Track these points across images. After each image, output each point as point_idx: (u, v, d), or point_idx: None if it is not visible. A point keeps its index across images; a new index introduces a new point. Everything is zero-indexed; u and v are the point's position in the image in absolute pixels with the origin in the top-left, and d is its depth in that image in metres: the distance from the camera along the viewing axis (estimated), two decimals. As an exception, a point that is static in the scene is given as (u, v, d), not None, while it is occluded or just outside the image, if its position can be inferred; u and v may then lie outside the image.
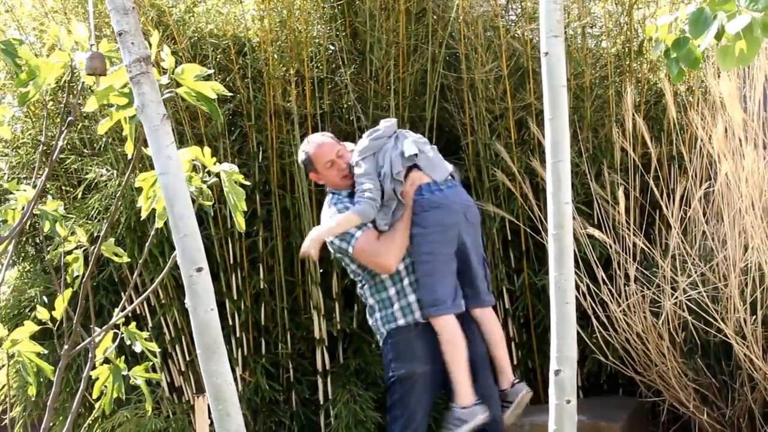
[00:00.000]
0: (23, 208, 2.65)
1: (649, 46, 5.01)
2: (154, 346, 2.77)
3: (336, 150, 3.60)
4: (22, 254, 5.29)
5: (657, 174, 4.65)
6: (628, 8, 5.06)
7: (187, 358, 5.06)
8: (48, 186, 4.99)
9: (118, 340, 2.72)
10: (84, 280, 2.65)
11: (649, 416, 4.93)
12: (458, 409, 3.47)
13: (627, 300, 4.46)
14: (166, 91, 2.20)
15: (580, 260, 4.49)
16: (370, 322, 3.65)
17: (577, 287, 4.36)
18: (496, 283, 5.06)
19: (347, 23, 5.09)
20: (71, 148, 5.04)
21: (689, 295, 4.30)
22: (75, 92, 2.53)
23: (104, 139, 4.85)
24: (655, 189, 4.54)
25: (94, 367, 2.71)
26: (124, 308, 2.76)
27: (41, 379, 4.14)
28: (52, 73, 2.39)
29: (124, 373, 2.75)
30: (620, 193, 4.42)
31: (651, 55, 5.00)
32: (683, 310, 4.33)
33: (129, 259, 3.01)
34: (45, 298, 4.89)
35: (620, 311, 4.46)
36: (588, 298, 4.50)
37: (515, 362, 5.15)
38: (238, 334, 5.00)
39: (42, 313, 2.69)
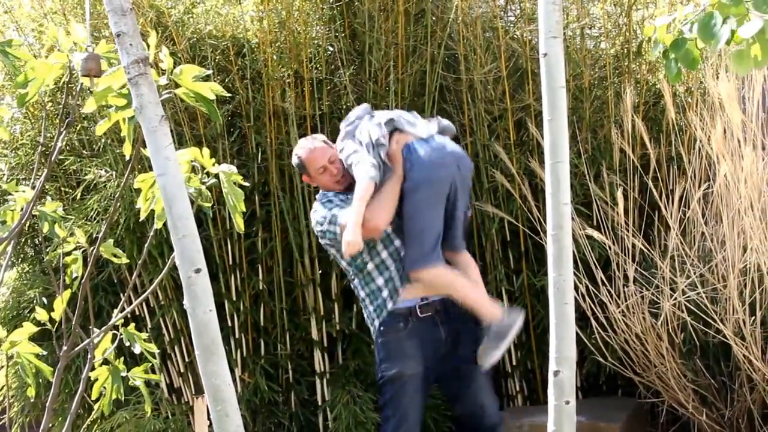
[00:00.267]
0: (22, 209, 2.65)
1: (648, 47, 5.02)
2: (153, 347, 2.77)
3: (328, 155, 3.59)
4: (21, 255, 5.29)
5: (656, 175, 4.66)
6: (627, 9, 5.07)
7: (186, 359, 5.06)
8: (47, 187, 4.99)
9: (117, 341, 2.72)
10: (83, 281, 2.65)
11: (648, 417, 4.93)
12: (493, 325, 3.43)
13: (626, 301, 4.46)
14: (164, 92, 2.20)
15: (579, 261, 4.48)
16: (365, 315, 3.66)
17: (576, 288, 4.36)
18: (495, 284, 5.06)
19: (346, 24, 5.09)
20: (70, 149, 5.04)
21: (688, 296, 4.30)
22: (74, 93, 2.54)
23: (103, 140, 4.85)
24: (654, 190, 4.54)
25: (93, 368, 2.71)
26: (123, 309, 2.76)
27: (40, 380, 4.12)
28: (51, 74, 2.39)
29: (123, 374, 2.75)
30: (619, 194, 4.42)
31: (650, 56, 5.00)
32: (682, 311, 4.33)
33: (128, 260, 3.01)
34: (44, 299, 4.90)
35: (619, 312, 4.47)
36: (587, 299, 4.50)
37: (514, 363, 5.16)
38: (237, 335, 5.00)
39: (41, 314, 2.69)
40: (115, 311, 2.75)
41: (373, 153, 3.50)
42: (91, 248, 2.72)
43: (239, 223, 2.56)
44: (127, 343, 2.75)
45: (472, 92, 5.08)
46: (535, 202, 4.75)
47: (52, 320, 2.67)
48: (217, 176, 2.54)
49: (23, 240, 5.19)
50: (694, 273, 4.33)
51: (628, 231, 4.52)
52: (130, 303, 4.39)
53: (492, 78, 5.02)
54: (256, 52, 4.95)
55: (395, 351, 3.51)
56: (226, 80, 4.86)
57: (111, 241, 2.89)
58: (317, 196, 3.69)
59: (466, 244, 3.70)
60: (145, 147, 2.03)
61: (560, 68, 2.18)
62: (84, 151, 5.04)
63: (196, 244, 1.98)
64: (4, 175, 5.12)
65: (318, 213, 3.61)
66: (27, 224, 3.61)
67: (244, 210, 2.57)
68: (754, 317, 4.20)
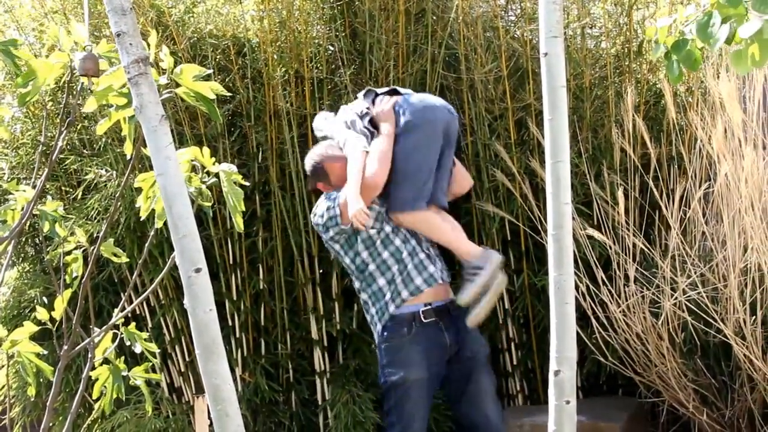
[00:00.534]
0: (23, 209, 2.65)
1: (649, 47, 5.01)
2: (153, 347, 2.77)
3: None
4: (22, 255, 5.29)
5: (656, 174, 4.65)
6: (628, 9, 5.06)
7: (187, 359, 5.06)
8: (47, 186, 4.98)
9: (117, 340, 2.73)
10: (83, 280, 2.65)
11: (648, 417, 4.93)
12: (470, 260, 3.46)
13: (626, 300, 4.46)
14: (165, 91, 2.20)
15: (579, 261, 4.49)
16: (368, 319, 3.64)
17: (577, 288, 4.36)
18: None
19: (347, 24, 5.09)
20: (71, 149, 5.04)
21: (689, 296, 4.30)
22: (74, 93, 2.54)
23: (103, 140, 4.85)
24: (654, 189, 4.54)
25: (93, 368, 2.71)
26: (123, 309, 2.76)
27: (41, 380, 4.13)
28: (52, 73, 2.39)
29: (124, 373, 2.75)
30: (620, 194, 4.42)
31: (651, 56, 5.00)
32: (683, 311, 4.33)
33: (128, 260, 3.01)
34: (44, 299, 4.89)
35: (620, 312, 4.46)
36: (587, 298, 4.50)
37: (515, 362, 5.16)
38: (237, 335, 5.00)
39: (41, 313, 2.70)
40: (116, 310, 2.75)
41: (359, 125, 3.53)
42: (92, 247, 2.72)
43: (239, 223, 2.56)
44: (128, 343, 2.75)
45: (472, 92, 5.08)
46: (536, 201, 4.75)
47: (52, 319, 2.68)
48: (217, 176, 2.55)
49: (24, 239, 5.19)
50: (695, 272, 4.33)
51: (628, 230, 4.51)
52: (131, 302, 4.39)
53: (493, 77, 5.02)
54: (256, 51, 4.95)
55: (399, 356, 3.48)
56: (227, 80, 4.86)
57: (111, 240, 2.89)
58: (323, 195, 3.68)
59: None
60: (145, 146, 2.03)
61: (561, 68, 2.18)
62: (85, 151, 5.04)
63: (197, 243, 1.98)
64: (4, 174, 5.11)
65: (320, 206, 3.61)
66: (28, 223, 3.61)
67: (244, 209, 2.57)
68: (754, 317, 4.20)
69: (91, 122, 4.95)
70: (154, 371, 4.46)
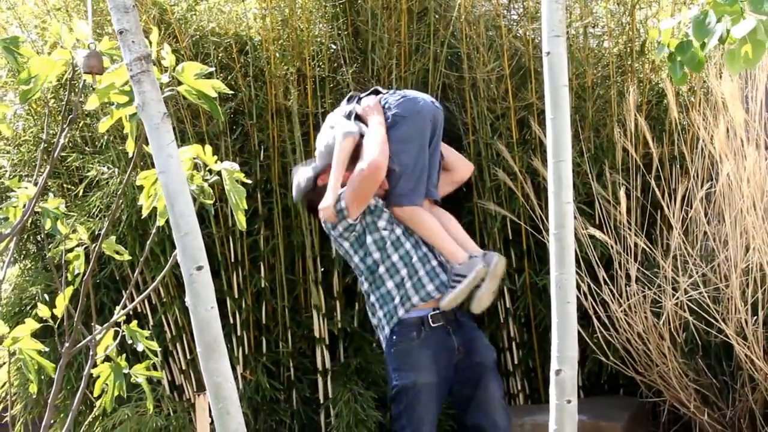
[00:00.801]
0: (24, 206, 2.65)
1: (651, 46, 5.01)
2: (154, 345, 2.78)
3: None
4: (24, 252, 5.29)
5: (658, 174, 4.65)
6: (630, 8, 5.06)
7: (188, 357, 5.06)
8: (49, 184, 4.99)
9: (119, 338, 2.73)
10: (85, 278, 2.65)
11: (649, 416, 4.93)
12: (455, 266, 3.48)
13: (628, 300, 4.46)
14: (166, 89, 2.20)
15: (581, 260, 4.49)
16: (374, 322, 3.62)
17: (578, 287, 4.36)
18: (497, 282, 5.05)
19: (349, 22, 5.09)
20: (72, 146, 5.04)
21: (690, 296, 4.30)
22: (76, 90, 2.54)
23: (105, 137, 4.85)
24: (656, 189, 4.54)
25: (95, 365, 2.72)
26: (125, 306, 2.76)
27: (42, 377, 4.14)
28: (54, 70, 2.39)
29: (125, 371, 2.75)
30: (622, 193, 4.41)
31: (653, 55, 5.00)
32: (684, 311, 4.33)
33: (130, 257, 3.00)
34: (46, 296, 4.90)
35: (621, 311, 4.46)
36: (589, 298, 4.50)
37: (516, 362, 5.16)
38: (238, 333, 5.00)
39: (43, 310, 2.70)
40: (117, 308, 2.75)
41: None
42: (94, 245, 2.72)
43: (241, 221, 2.56)
44: (129, 341, 2.75)
45: (474, 90, 5.08)
46: (538, 200, 4.74)
47: (54, 317, 2.68)
48: (219, 174, 2.55)
49: (25, 236, 5.19)
50: (697, 272, 4.33)
51: (630, 230, 4.51)
52: (132, 300, 4.39)
53: (495, 76, 5.02)
54: (258, 49, 4.95)
55: (408, 360, 3.47)
56: (229, 78, 4.86)
57: (113, 238, 2.90)
58: None
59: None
60: (147, 144, 2.03)
61: (563, 67, 2.18)
62: (86, 148, 5.04)
63: (198, 241, 1.98)
64: (6, 171, 5.12)
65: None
66: (29, 221, 3.62)
67: (246, 207, 2.58)
68: (756, 317, 4.20)
69: (93, 120, 4.96)
70: (155, 369, 4.47)
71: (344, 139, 3.52)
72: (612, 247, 4.52)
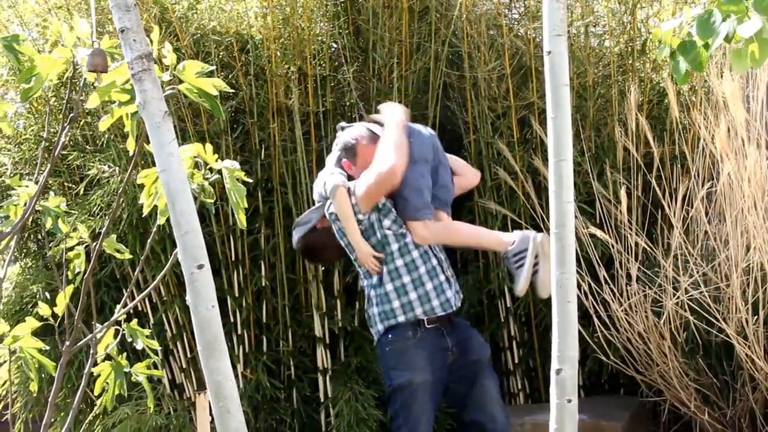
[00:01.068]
0: (25, 204, 2.65)
1: (653, 45, 5.01)
2: (155, 344, 2.78)
3: None
4: (24, 250, 5.29)
5: (659, 174, 4.65)
6: (632, 7, 5.06)
7: (189, 355, 5.06)
8: (50, 182, 4.98)
9: (119, 336, 2.73)
10: (86, 276, 2.65)
11: (650, 416, 4.93)
12: (509, 249, 3.46)
13: (629, 299, 4.46)
14: (167, 87, 2.20)
15: (582, 259, 4.48)
16: (367, 315, 3.64)
17: (579, 286, 4.36)
18: (497, 282, 5.05)
19: (350, 21, 5.09)
20: (73, 145, 5.04)
21: (691, 295, 4.30)
22: (77, 88, 2.54)
23: (106, 136, 4.85)
24: (657, 189, 4.54)
25: (95, 364, 2.72)
26: (125, 305, 2.76)
27: (43, 375, 4.14)
28: (55, 69, 2.39)
29: (126, 369, 2.75)
30: (622, 193, 4.41)
31: (656, 55, 4.99)
32: (685, 310, 4.33)
33: (131, 256, 3.00)
34: (47, 295, 4.89)
35: (622, 311, 4.46)
36: (590, 297, 4.50)
37: (516, 361, 5.15)
38: (239, 332, 5.00)
39: (44, 309, 2.70)
40: (118, 307, 2.75)
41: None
42: (94, 244, 2.72)
43: (242, 220, 2.56)
44: (130, 339, 2.75)
45: (475, 90, 5.07)
46: (539, 199, 4.74)
47: (54, 315, 2.68)
48: (220, 172, 2.55)
49: (26, 235, 5.19)
50: (697, 272, 4.33)
51: (631, 229, 4.51)
52: (133, 299, 4.39)
53: (496, 75, 5.01)
54: (259, 48, 4.95)
55: (404, 359, 3.49)
56: (230, 76, 4.86)
57: (114, 236, 2.90)
58: None
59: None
60: (148, 143, 2.03)
61: (564, 66, 2.17)
62: (87, 147, 5.04)
63: (199, 240, 1.98)
64: (7, 170, 5.12)
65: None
66: (30, 219, 3.62)
67: (246, 206, 2.57)
68: (756, 316, 4.20)
69: (94, 118, 4.95)
70: (155, 368, 4.48)
71: (337, 193, 3.51)
72: (613, 246, 4.52)
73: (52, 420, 4.96)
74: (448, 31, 5.04)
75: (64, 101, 4.65)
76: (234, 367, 4.63)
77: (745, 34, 1.97)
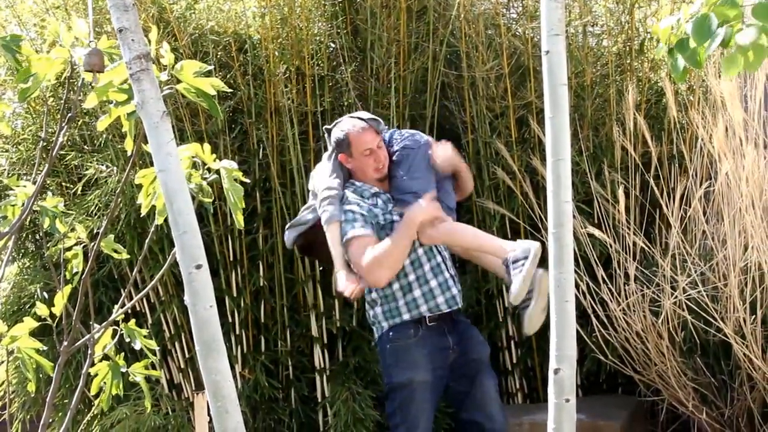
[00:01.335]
0: (23, 205, 2.65)
1: (651, 45, 5.01)
2: (153, 344, 2.77)
3: (378, 140, 3.56)
4: (22, 250, 5.28)
5: (657, 173, 4.65)
6: (630, 7, 5.06)
7: (187, 355, 5.06)
8: (48, 182, 4.98)
9: (117, 336, 2.72)
10: (83, 276, 2.65)
11: (648, 415, 4.93)
12: (509, 256, 3.40)
13: (627, 299, 4.46)
14: (165, 87, 2.20)
15: (579, 259, 4.49)
16: (369, 314, 3.62)
17: (577, 286, 4.36)
18: (495, 281, 5.06)
19: (348, 21, 5.09)
20: (71, 145, 5.03)
21: (689, 295, 4.30)
22: (75, 88, 2.54)
23: (104, 136, 4.85)
24: (655, 188, 4.54)
25: (93, 364, 2.71)
26: (123, 305, 2.76)
27: (40, 376, 4.14)
28: (52, 69, 2.39)
29: (124, 370, 2.75)
30: (620, 192, 4.41)
31: (654, 53, 5.00)
32: (683, 310, 4.33)
33: (129, 256, 3.00)
34: (45, 295, 4.89)
35: (620, 310, 4.47)
36: (588, 296, 4.50)
37: (515, 361, 5.16)
38: (237, 332, 5.00)
39: (41, 309, 2.70)
40: (116, 307, 2.75)
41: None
42: (92, 244, 2.72)
43: (239, 220, 2.56)
44: (128, 339, 2.75)
45: (473, 89, 5.08)
46: (537, 199, 4.75)
47: (52, 315, 2.68)
48: (218, 172, 2.54)
49: (24, 235, 5.19)
50: (695, 271, 4.33)
51: (629, 229, 4.51)
52: (131, 299, 4.38)
53: (494, 75, 5.02)
54: (257, 48, 4.95)
55: (405, 358, 3.48)
56: (228, 76, 4.86)
57: (112, 236, 2.89)
58: (348, 188, 3.59)
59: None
60: (146, 143, 2.03)
61: (562, 66, 2.17)
62: (85, 147, 5.04)
63: (197, 240, 1.98)
64: (5, 170, 5.11)
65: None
66: (28, 219, 3.61)
67: (243, 206, 2.57)
68: (754, 316, 4.20)
69: (91, 118, 4.95)
70: (153, 368, 4.48)
71: (330, 227, 3.48)
72: (611, 245, 4.52)
73: (50, 420, 4.96)
74: (446, 31, 5.04)
75: (62, 101, 4.65)
76: (232, 367, 4.62)
77: (744, 41, 1.97)
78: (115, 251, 2.81)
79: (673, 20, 2.20)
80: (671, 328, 4.38)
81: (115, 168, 4.84)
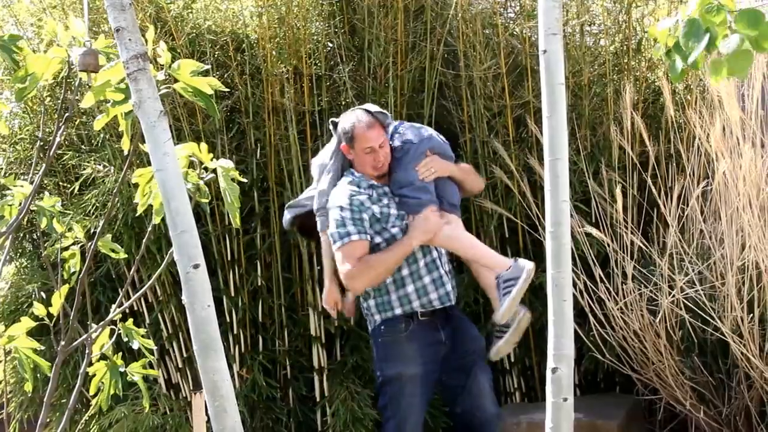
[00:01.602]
0: (20, 204, 2.64)
1: (648, 44, 5.01)
2: (150, 343, 2.77)
3: (382, 139, 3.56)
4: (20, 250, 5.28)
5: (655, 172, 4.65)
6: (627, 6, 5.06)
7: (185, 355, 5.05)
8: (45, 182, 4.98)
9: (115, 336, 2.72)
10: (81, 276, 2.65)
11: (645, 414, 4.93)
12: (503, 273, 3.44)
13: (624, 298, 4.46)
14: (163, 86, 2.20)
15: (577, 258, 4.49)
16: (363, 306, 3.63)
17: (575, 285, 4.37)
18: (493, 280, 5.05)
19: (346, 20, 5.08)
20: (68, 144, 5.03)
21: (686, 294, 4.31)
22: (72, 88, 2.53)
23: (101, 135, 4.85)
24: (653, 187, 4.54)
25: (91, 364, 2.71)
26: (121, 304, 2.76)
27: (38, 375, 4.10)
28: (49, 68, 2.39)
29: (121, 369, 2.75)
30: (618, 192, 4.42)
31: (652, 52, 5.00)
32: (680, 309, 4.34)
33: (126, 256, 3.00)
34: (42, 294, 4.89)
35: (617, 309, 4.47)
36: (585, 296, 4.50)
37: (512, 360, 5.15)
38: (235, 331, 5.00)
39: (39, 309, 2.69)
40: (113, 306, 2.75)
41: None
42: (90, 243, 2.72)
43: (235, 219, 2.55)
44: (125, 339, 2.74)
45: (471, 89, 5.07)
46: (534, 198, 4.75)
47: (50, 315, 2.67)
48: (215, 171, 2.54)
49: (21, 235, 5.19)
50: (693, 270, 4.34)
51: (626, 228, 4.52)
52: (128, 298, 4.38)
53: (491, 75, 5.01)
54: (255, 47, 4.95)
55: (394, 352, 3.51)
56: (225, 76, 4.86)
57: (109, 236, 2.89)
58: (344, 179, 3.60)
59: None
60: (143, 142, 2.03)
61: (560, 65, 2.17)
62: (82, 146, 5.03)
63: (195, 239, 1.98)
64: (2, 169, 5.11)
65: (341, 187, 3.57)
66: (25, 219, 3.61)
67: (242, 206, 2.57)
68: (752, 315, 4.21)
69: (89, 118, 4.95)
70: (151, 367, 4.47)
71: (323, 235, 3.59)
72: (608, 245, 4.52)
73: (48, 420, 4.96)
74: (444, 30, 5.04)
75: (60, 101, 4.64)
76: (230, 366, 4.63)
77: (726, 49, 1.98)
78: (113, 251, 2.80)
79: (671, 22, 2.21)
80: (669, 327, 4.38)
81: (112, 167, 4.84)
